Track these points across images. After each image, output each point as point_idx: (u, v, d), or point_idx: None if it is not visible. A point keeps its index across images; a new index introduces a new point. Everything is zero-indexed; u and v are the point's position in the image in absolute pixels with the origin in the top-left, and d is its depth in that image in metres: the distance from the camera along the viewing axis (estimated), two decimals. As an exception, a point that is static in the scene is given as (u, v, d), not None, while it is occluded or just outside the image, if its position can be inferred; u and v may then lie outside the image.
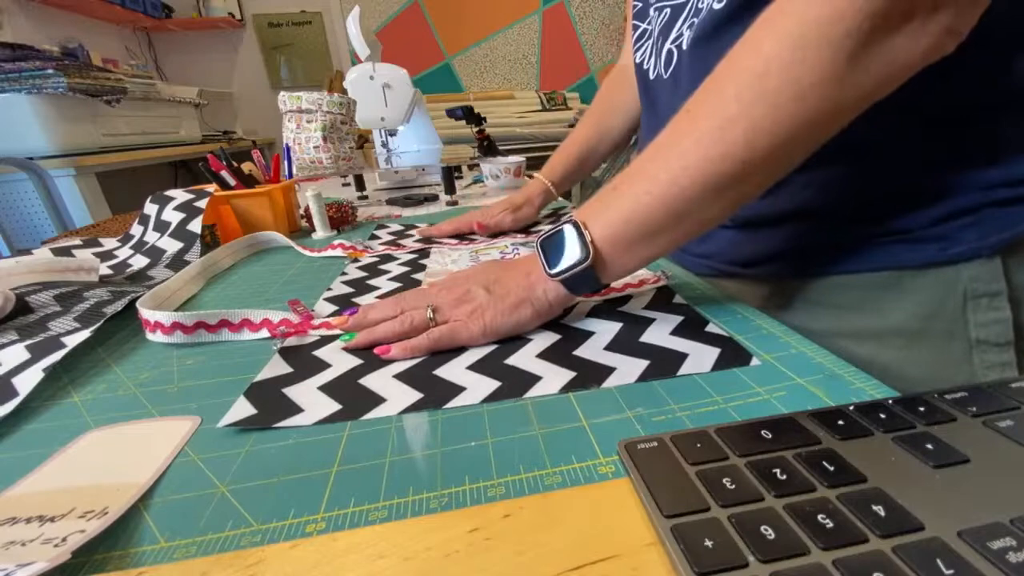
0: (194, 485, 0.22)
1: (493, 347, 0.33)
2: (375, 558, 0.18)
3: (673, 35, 0.43)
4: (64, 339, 0.35)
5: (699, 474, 0.19)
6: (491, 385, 0.29)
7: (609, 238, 0.32)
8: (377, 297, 0.44)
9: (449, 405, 0.27)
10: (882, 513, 0.17)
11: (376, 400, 0.28)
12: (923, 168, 0.36)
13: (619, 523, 0.19)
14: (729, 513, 0.17)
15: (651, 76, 0.48)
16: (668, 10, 0.44)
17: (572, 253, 0.33)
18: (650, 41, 0.48)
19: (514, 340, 0.34)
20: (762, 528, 0.16)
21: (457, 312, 0.34)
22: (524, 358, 0.32)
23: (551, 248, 0.34)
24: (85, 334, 0.35)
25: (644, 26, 0.49)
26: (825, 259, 0.40)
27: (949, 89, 0.33)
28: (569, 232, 0.34)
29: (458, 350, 0.33)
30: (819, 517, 0.17)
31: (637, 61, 0.50)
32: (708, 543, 0.16)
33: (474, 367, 0.31)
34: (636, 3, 0.51)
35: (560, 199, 0.74)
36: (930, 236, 0.36)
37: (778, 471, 0.19)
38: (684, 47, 0.41)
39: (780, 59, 0.26)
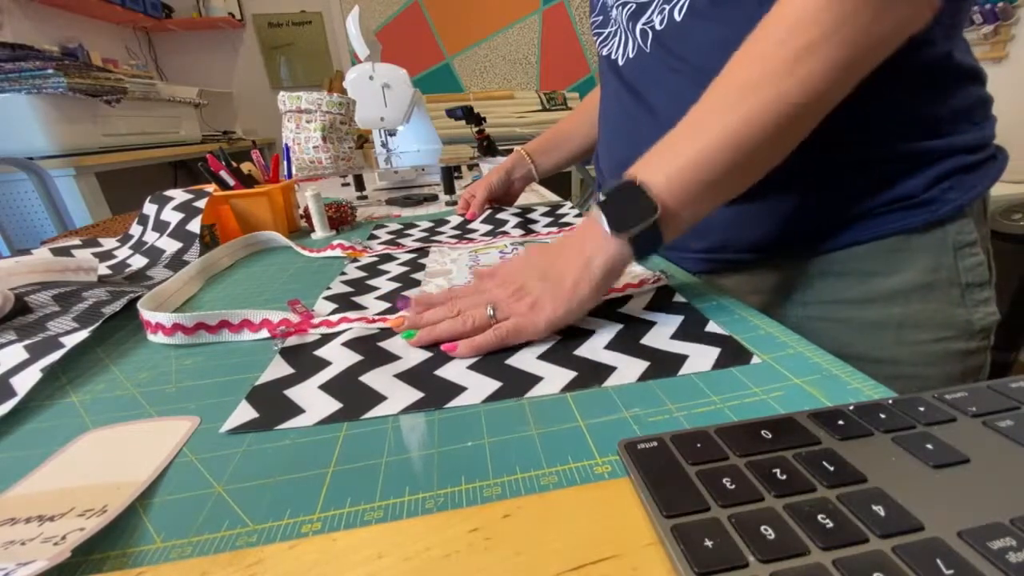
0: (191, 485, 0.22)
1: None
2: (375, 558, 0.18)
3: (645, 18, 0.45)
4: (63, 339, 0.35)
5: (699, 474, 0.19)
6: (492, 385, 0.29)
7: (677, 189, 0.33)
8: (377, 298, 0.44)
9: (450, 405, 0.27)
10: (882, 513, 0.17)
11: (377, 399, 0.28)
12: (915, 135, 0.40)
13: (619, 523, 0.18)
14: (729, 513, 0.17)
15: (621, 62, 0.50)
16: (633, 5, 0.46)
17: (637, 210, 0.32)
18: (617, 37, 0.50)
19: None
20: (762, 528, 0.16)
21: (518, 307, 0.34)
22: (525, 358, 0.32)
23: (612, 209, 0.33)
24: (84, 334, 0.35)
25: (607, 30, 0.52)
26: (839, 232, 0.42)
27: (925, 59, 0.38)
28: (630, 189, 0.33)
29: None
30: (819, 517, 0.17)
31: (604, 54, 0.53)
32: (708, 543, 0.16)
33: (475, 367, 0.31)
34: (595, 18, 0.54)
35: (555, 196, 0.76)
36: (926, 200, 0.40)
37: (778, 471, 0.19)
38: (665, 23, 0.43)
39: (807, 16, 0.30)
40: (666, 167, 0.33)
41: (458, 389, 0.29)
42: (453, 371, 0.31)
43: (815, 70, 0.31)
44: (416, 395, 0.28)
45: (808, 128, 0.34)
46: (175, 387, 0.31)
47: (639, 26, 0.46)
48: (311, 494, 0.21)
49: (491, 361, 0.32)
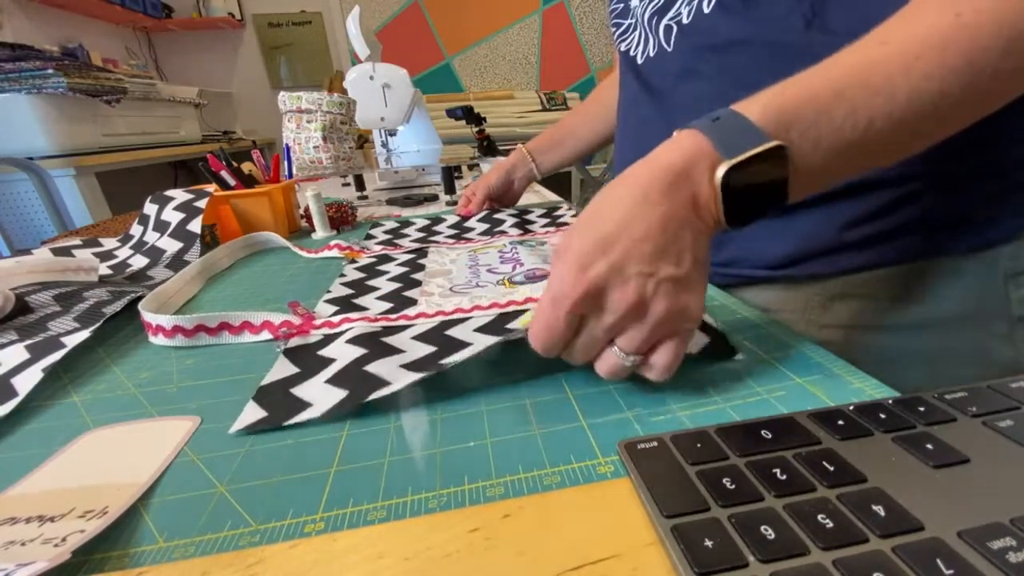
0: (193, 485, 0.22)
1: (496, 314, 0.37)
2: (375, 558, 0.18)
3: (672, 12, 0.43)
4: (64, 339, 0.35)
5: (699, 474, 0.19)
6: (492, 340, 0.30)
7: (822, 165, 0.24)
8: (377, 298, 0.44)
9: (450, 360, 0.29)
10: (882, 513, 0.17)
11: (381, 383, 0.28)
12: (970, 149, 0.35)
13: (619, 523, 0.19)
14: (729, 513, 0.17)
15: (640, 60, 0.48)
16: (661, 1, 0.44)
17: (764, 195, 0.25)
18: (637, 31, 0.48)
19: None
20: (762, 528, 0.16)
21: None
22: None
23: (741, 186, 0.24)
24: (85, 334, 0.35)
25: (627, 22, 0.50)
26: (866, 251, 0.38)
27: None
28: (771, 165, 0.24)
29: (461, 320, 0.37)
30: (819, 517, 0.17)
31: (622, 50, 0.51)
32: (708, 543, 0.16)
33: (480, 330, 0.35)
34: (615, 6, 0.52)
35: (555, 196, 0.76)
36: (970, 221, 0.36)
37: (778, 471, 0.19)
38: (693, 15, 0.40)
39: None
40: (828, 130, 0.24)
41: (461, 344, 0.32)
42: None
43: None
44: (419, 375, 0.28)
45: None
46: (176, 387, 0.31)
47: (664, 22, 0.43)
48: (314, 494, 0.21)
49: (496, 326, 0.35)
